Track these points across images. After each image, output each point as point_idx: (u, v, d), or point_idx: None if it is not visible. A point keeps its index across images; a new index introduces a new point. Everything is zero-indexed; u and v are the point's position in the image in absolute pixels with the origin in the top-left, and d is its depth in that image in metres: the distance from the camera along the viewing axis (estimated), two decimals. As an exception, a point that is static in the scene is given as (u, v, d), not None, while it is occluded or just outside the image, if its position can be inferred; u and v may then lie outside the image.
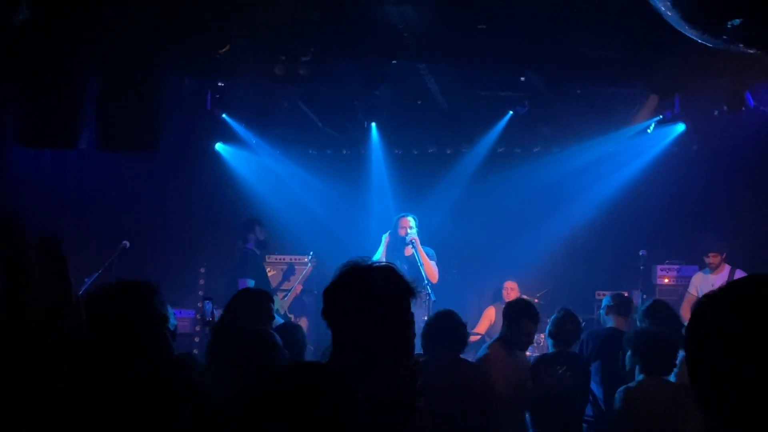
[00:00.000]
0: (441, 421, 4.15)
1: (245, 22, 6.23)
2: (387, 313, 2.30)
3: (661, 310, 5.44)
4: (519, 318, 5.28)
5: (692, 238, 8.60)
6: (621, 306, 6.00)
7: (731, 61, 6.25)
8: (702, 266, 8.25)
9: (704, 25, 3.80)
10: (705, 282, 8.12)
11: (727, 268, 8.04)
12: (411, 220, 7.63)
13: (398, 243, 7.58)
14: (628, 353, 4.55)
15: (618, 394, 4.46)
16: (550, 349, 5.53)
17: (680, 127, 8.74)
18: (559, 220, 9.58)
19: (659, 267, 8.84)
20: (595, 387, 5.45)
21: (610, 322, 5.92)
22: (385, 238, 7.55)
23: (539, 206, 9.60)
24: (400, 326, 2.33)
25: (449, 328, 4.73)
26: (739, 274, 7.96)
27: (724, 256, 8.07)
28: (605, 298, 6.15)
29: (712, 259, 8.06)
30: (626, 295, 6.46)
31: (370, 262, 2.42)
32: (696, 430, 4.34)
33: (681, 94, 7.83)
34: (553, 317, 5.50)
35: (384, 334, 2.29)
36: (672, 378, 4.55)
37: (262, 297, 4.67)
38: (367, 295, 2.31)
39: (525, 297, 8.88)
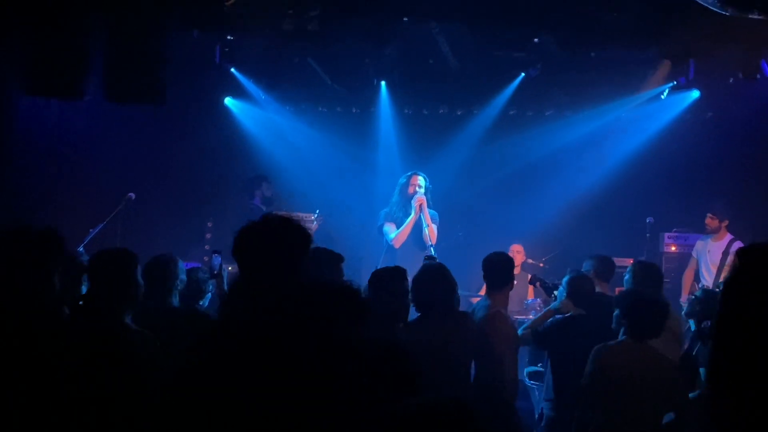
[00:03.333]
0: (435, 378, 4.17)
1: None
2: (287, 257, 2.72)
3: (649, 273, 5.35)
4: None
5: (702, 206, 8.53)
6: (604, 271, 5.86)
7: (746, 28, 6.15)
8: (706, 233, 8.19)
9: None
10: (703, 248, 8.08)
11: (727, 237, 7.97)
12: (421, 179, 7.58)
13: (405, 200, 7.55)
14: (616, 313, 4.47)
15: (591, 354, 4.39)
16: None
17: (694, 94, 8.64)
18: (568, 185, 9.54)
19: (666, 234, 8.80)
20: None
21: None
22: (411, 218, 7.46)
23: (549, 170, 9.55)
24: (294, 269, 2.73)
25: (439, 284, 4.59)
26: (736, 245, 7.85)
27: (725, 223, 7.99)
28: (585, 262, 5.94)
29: (709, 221, 7.99)
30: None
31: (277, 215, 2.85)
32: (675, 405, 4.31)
33: (695, 59, 7.71)
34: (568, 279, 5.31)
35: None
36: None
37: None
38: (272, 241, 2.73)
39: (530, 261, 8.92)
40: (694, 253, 8.13)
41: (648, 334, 4.35)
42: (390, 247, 7.48)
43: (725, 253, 7.86)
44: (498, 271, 5.05)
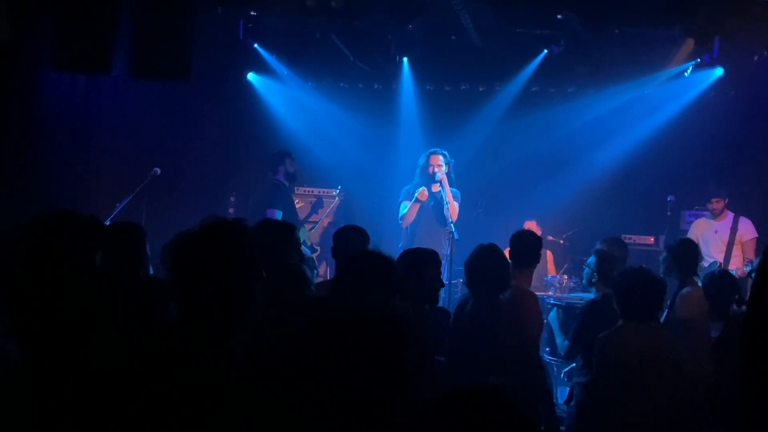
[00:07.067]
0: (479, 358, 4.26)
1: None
2: None
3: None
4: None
5: (724, 184, 8.49)
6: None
7: (773, 6, 6.09)
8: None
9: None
10: (708, 227, 8.07)
11: (730, 214, 8.00)
12: (441, 158, 7.62)
13: (426, 179, 7.61)
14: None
15: (596, 342, 4.27)
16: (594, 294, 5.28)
17: (718, 72, 8.56)
18: (589, 162, 9.53)
19: (687, 213, 8.80)
20: None
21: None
22: (419, 191, 7.52)
23: (571, 147, 9.53)
24: None
25: (493, 267, 4.55)
26: (743, 221, 7.92)
27: (726, 201, 8.01)
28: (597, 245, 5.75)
29: (715, 205, 8.01)
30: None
31: None
32: (677, 387, 4.23)
33: (720, 37, 7.64)
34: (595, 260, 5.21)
35: None
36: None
37: (288, 229, 4.63)
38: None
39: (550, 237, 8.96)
40: (694, 237, 8.04)
41: (643, 314, 4.20)
42: (411, 224, 7.59)
43: (733, 230, 7.89)
44: (526, 250, 5.02)
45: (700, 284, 5.28)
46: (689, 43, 7.98)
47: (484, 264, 4.54)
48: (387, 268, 3.51)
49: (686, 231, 8.75)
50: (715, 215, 8.03)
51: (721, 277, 5.19)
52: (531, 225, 8.83)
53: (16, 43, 6.44)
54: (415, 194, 7.51)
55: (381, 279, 3.46)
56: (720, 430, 4.39)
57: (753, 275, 5.29)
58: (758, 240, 7.88)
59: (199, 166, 9.44)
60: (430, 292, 4.25)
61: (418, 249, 4.52)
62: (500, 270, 4.55)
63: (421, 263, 4.23)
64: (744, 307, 4.76)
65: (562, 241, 9.03)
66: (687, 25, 7.51)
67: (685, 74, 8.66)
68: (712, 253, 7.91)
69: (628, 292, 4.23)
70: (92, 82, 8.02)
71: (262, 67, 9.15)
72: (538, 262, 5.10)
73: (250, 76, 9.41)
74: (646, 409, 4.11)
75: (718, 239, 7.92)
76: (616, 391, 4.20)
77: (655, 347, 4.16)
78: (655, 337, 4.21)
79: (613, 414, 4.21)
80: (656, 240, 8.63)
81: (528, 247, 5.04)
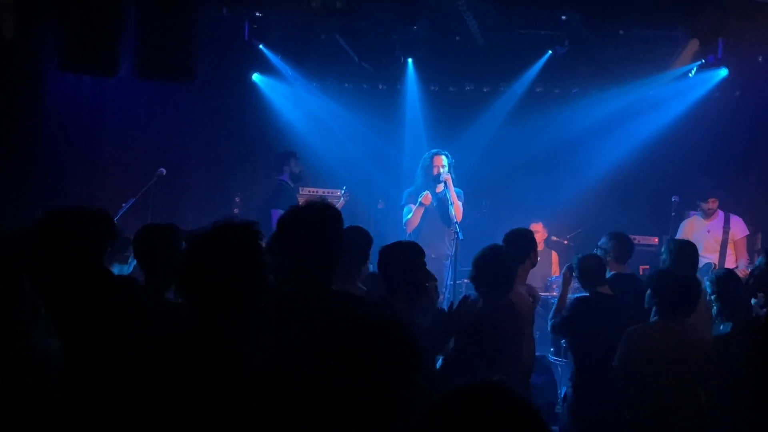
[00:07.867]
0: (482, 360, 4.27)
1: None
2: None
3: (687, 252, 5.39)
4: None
5: (728, 185, 8.50)
6: (621, 251, 5.70)
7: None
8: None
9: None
10: (700, 227, 8.03)
11: (720, 213, 7.96)
12: (444, 159, 7.63)
13: (430, 180, 7.61)
14: (648, 292, 4.42)
15: (624, 336, 4.35)
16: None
17: (723, 72, 8.56)
18: (594, 163, 9.54)
19: (691, 213, 8.78)
20: None
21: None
22: (423, 195, 7.52)
23: (575, 148, 9.54)
24: None
25: (503, 269, 4.53)
26: (734, 219, 7.89)
27: (719, 201, 8.00)
28: (602, 240, 5.78)
29: (711, 204, 7.95)
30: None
31: None
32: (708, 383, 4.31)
33: (724, 38, 7.65)
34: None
35: None
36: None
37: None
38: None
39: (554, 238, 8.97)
40: (685, 237, 7.99)
41: (680, 313, 4.31)
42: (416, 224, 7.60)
43: (726, 229, 7.88)
44: (517, 246, 5.01)
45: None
46: (693, 44, 7.97)
47: (494, 262, 4.48)
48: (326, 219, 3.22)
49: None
50: (709, 215, 8.01)
51: (727, 277, 5.22)
52: (538, 227, 8.84)
53: (22, 42, 6.47)
54: (419, 199, 7.51)
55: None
56: (722, 429, 4.42)
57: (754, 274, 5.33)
58: (748, 238, 7.89)
59: (204, 166, 9.47)
60: (416, 283, 4.10)
61: (399, 242, 4.40)
62: (509, 272, 4.53)
63: (405, 255, 4.10)
64: (765, 310, 4.82)
65: (566, 242, 9.03)
66: (691, 26, 7.52)
67: (690, 75, 8.67)
68: (705, 253, 7.88)
69: (667, 291, 4.32)
70: (97, 82, 8.05)
71: (267, 68, 9.16)
72: (532, 259, 5.09)
73: (255, 76, 9.44)
74: (662, 405, 4.19)
75: (711, 238, 7.89)
76: (645, 384, 4.26)
77: (685, 345, 4.25)
78: (686, 335, 4.31)
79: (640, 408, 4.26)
80: (660, 240, 8.62)
81: (519, 244, 5.04)
